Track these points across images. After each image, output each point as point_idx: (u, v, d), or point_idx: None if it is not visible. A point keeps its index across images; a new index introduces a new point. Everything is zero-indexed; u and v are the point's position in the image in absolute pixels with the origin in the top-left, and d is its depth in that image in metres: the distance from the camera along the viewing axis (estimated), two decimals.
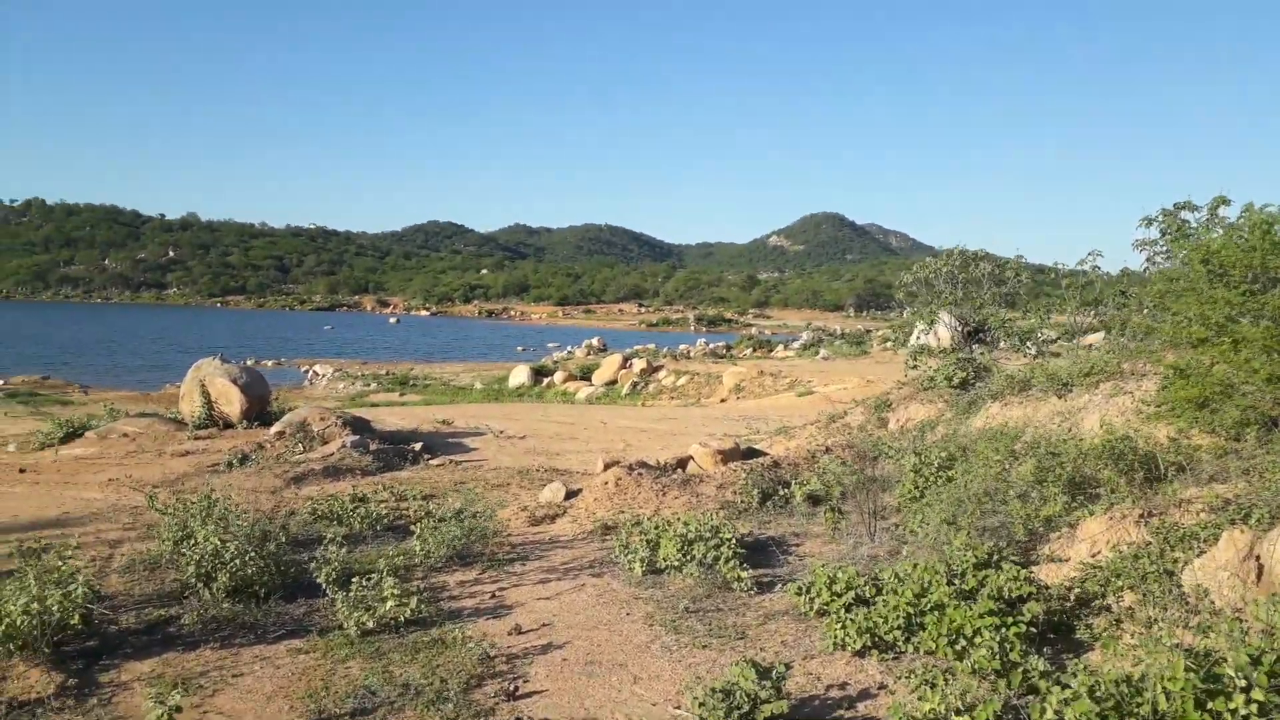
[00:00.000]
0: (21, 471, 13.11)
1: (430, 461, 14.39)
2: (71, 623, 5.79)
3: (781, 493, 9.91)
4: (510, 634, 6.21)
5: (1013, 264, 15.19)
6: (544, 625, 6.40)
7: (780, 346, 55.95)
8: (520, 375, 37.74)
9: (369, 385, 40.38)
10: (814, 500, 9.72)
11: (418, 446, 15.35)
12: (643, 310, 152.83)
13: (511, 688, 5.26)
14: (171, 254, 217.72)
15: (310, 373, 49.10)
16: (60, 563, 6.49)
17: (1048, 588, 5.85)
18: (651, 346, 55.26)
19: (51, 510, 10.58)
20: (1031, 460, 7.72)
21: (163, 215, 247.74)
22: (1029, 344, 14.67)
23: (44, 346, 67.16)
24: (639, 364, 35.66)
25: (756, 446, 14.09)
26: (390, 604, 6.23)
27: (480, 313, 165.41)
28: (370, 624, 6.12)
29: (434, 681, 5.31)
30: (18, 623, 5.53)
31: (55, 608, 5.68)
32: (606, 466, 11.72)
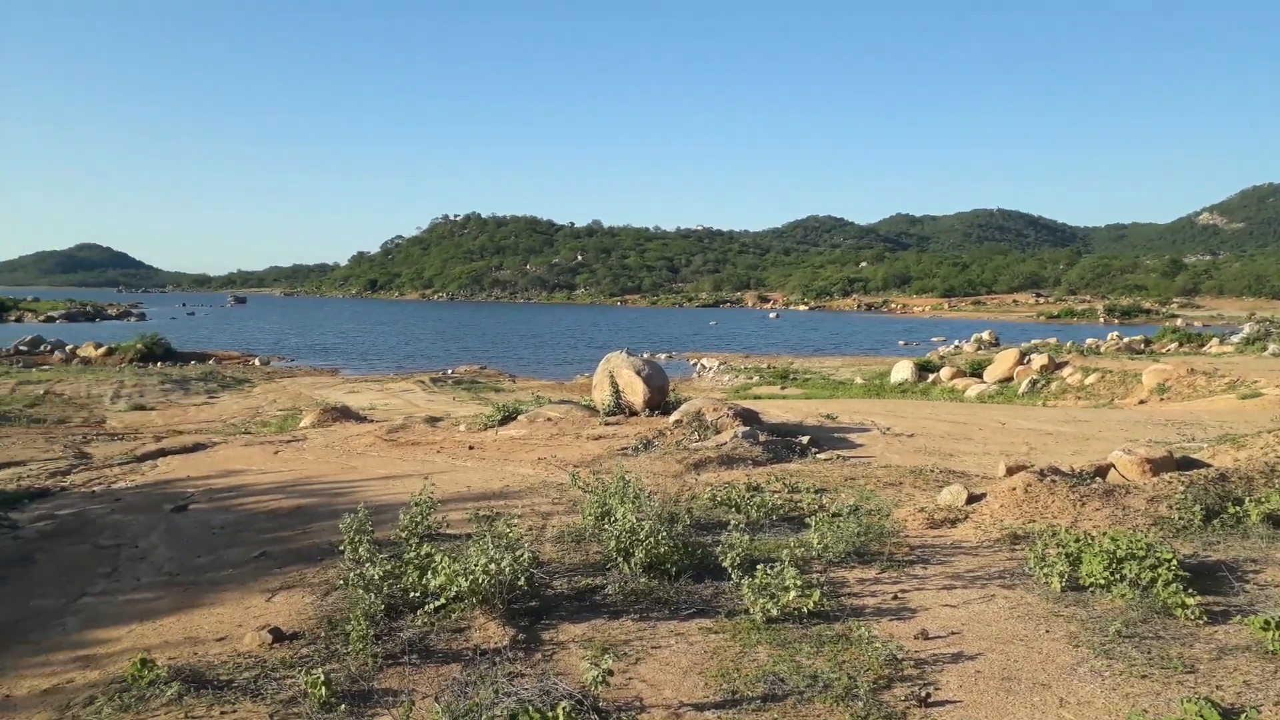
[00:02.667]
0: (470, 449, 15.34)
1: (817, 455, 14.42)
2: (519, 584, 6.59)
3: (1231, 511, 8.49)
4: (916, 638, 5.99)
5: None
6: (952, 633, 6.09)
7: (1214, 341, 48.23)
8: (903, 371, 36.59)
9: (751, 378, 41.71)
10: (1274, 522, 8.22)
11: (804, 440, 15.49)
12: (1041, 301, 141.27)
13: (923, 694, 5.06)
14: (579, 258, 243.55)
15: (698, 365, 52.12)
16: (507, 530, 7.47)
17: None
18: (1053, 340, 50.93)
19: (495, 484, 12.21)
20: None
21: (572, 223, 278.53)
22: None
23: (480, 341, 79.17)
24: (1038, 360, 32.73)
25: (1193, 456, 12.25)
26: (793, 594, 6.30)
27: (859, 306, 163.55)
28: (774, 612, 6.24)
29: (841, 677, 5.27)
30: (479, 580, 6.42)
31: (507, 569, 6.50)
32: (1010, 471, 10.89)
